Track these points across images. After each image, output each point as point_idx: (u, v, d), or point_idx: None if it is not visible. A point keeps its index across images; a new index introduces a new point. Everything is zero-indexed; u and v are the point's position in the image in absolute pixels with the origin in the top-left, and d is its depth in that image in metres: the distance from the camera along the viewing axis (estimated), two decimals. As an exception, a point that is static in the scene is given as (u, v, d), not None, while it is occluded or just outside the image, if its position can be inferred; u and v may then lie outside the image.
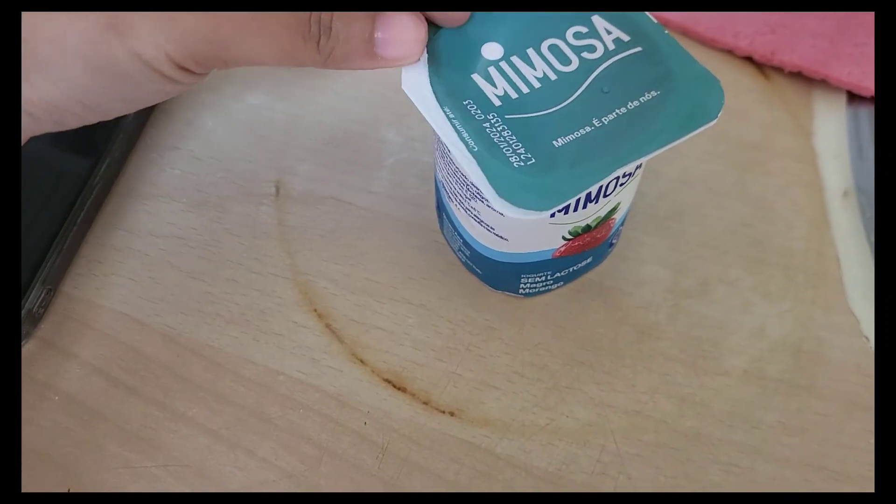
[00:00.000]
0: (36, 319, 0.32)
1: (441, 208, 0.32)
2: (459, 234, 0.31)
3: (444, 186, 0.29)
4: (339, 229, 0.34)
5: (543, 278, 0.31)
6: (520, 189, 0.22)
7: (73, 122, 0.24)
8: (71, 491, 0.29)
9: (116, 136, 0.36)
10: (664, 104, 0.23)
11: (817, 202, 0.35)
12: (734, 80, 0.39)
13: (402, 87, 0.24)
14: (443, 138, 0.23)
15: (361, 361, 0.31)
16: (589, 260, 0.31)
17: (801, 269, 0.33)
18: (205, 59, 0.23)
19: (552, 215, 0.26)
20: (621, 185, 0.26)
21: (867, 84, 0.37)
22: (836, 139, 0.37)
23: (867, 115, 0.37)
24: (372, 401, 0.30)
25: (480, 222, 0.28)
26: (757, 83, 0.39)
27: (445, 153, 0.27)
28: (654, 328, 0.32)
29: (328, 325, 0.32)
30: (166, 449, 0.29)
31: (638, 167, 0.27)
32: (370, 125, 0.37)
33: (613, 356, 0.31)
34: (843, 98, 0.38)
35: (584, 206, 0.26)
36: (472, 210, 0.28)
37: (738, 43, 0.39)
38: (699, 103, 0.23)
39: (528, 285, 0.31)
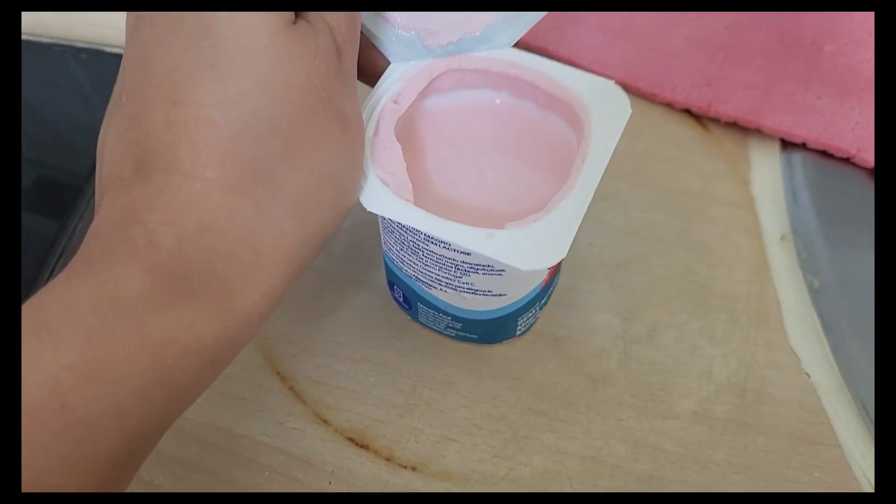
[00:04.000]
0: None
1: (412, 301, 0.32)
2: (447, 314, 0.31)
3: (417, 279, 0.30)
4: (302, 292, 0.35)
5: (534, 311, 0.32)
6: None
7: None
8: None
9: (85, 199, 0.38)
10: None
11: (757, 246, 0.37)
12: (675, 132, 0.41)
13: (367, 209, 0.25)
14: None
15: (325, 421, 0.32)
16: (557, 279, 0.33)
17: (743, 311, 0.35)
18: None
19: None
20: None
21: (798, 132, 0.39)
22: (772, 185, 0.38)
23: (800, 160, 0.39)
24: (336, 460, 0.31)
25: (476, 292, 0.29)
26: (696, 133, 0.41)
27: (419, 249, 0.28)
28: (606, 375, 0.33)
29: (291, 387, 0.33)
30: (134, 518, 0.30)
31: None
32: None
33: (568, 404, 0.32)
34: (776, 146, 0.40)
35: None
36: (464, 286, 0.29)
37: (676, 97, 0.41)
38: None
39: (524, 323, 0.33)
